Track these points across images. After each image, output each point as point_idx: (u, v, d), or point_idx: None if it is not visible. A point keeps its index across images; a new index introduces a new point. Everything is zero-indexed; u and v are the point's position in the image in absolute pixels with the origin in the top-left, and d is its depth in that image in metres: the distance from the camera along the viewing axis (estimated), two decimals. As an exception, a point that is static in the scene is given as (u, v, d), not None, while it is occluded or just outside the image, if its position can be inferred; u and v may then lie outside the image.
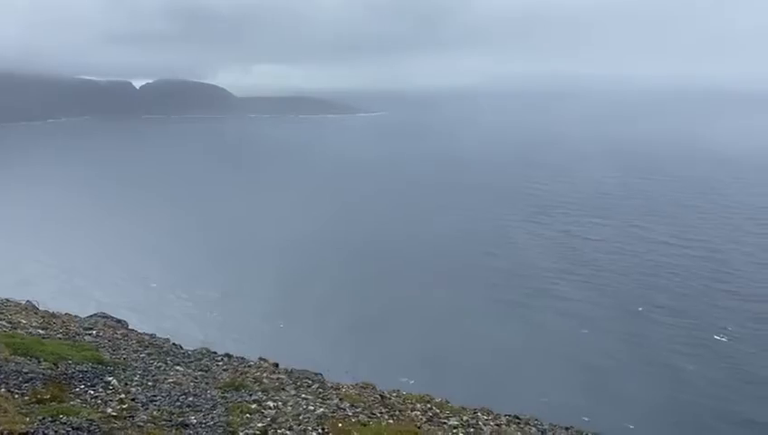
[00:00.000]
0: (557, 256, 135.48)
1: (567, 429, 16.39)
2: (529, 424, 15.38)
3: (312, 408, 13.80)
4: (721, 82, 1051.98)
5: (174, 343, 18.73)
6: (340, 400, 14.73)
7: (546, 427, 15.37)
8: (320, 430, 12.60)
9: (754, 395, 75.72)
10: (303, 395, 14.64)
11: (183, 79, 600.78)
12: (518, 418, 15.75)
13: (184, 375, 15.12)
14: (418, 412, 14.82)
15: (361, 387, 16.54)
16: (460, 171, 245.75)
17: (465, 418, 14.72)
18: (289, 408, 13.64)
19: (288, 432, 12.40)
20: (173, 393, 13.61)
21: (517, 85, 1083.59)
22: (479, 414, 15.26)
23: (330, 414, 13.56)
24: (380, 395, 16.00)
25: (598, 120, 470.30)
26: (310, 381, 16.07)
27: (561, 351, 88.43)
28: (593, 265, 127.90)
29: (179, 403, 13.16)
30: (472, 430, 14.08)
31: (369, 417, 13.96)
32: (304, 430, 12.55)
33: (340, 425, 12.80)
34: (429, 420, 14.48)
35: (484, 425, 14.44)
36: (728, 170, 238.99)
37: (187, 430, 12.00)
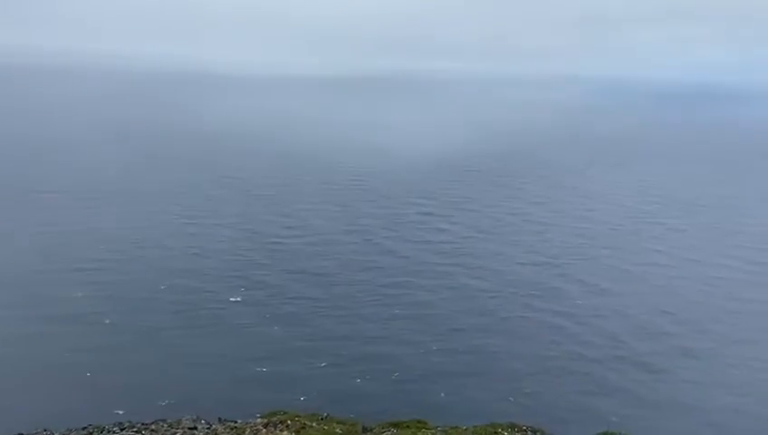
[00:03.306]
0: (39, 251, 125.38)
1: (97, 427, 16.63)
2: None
3: None
4: (196, 64, 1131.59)
5: None
6: None
7: (64, 431, 15.24)
8: None
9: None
10: None
11: None
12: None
13: None
14: None
15: None
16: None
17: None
18: None
19: None
20: None
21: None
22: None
23: None
24: None
25: (97, 101, 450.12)
26: None
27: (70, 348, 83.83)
28: (106, 256, 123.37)
29: None
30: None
31: None
32: None
33: None
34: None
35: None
36: (222, 147, 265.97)
37: None
